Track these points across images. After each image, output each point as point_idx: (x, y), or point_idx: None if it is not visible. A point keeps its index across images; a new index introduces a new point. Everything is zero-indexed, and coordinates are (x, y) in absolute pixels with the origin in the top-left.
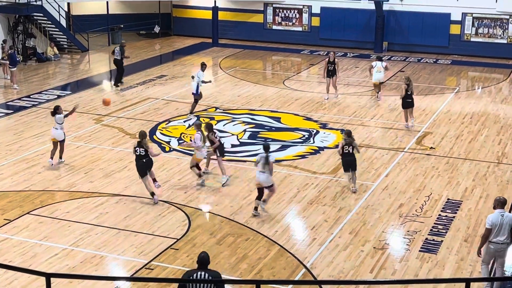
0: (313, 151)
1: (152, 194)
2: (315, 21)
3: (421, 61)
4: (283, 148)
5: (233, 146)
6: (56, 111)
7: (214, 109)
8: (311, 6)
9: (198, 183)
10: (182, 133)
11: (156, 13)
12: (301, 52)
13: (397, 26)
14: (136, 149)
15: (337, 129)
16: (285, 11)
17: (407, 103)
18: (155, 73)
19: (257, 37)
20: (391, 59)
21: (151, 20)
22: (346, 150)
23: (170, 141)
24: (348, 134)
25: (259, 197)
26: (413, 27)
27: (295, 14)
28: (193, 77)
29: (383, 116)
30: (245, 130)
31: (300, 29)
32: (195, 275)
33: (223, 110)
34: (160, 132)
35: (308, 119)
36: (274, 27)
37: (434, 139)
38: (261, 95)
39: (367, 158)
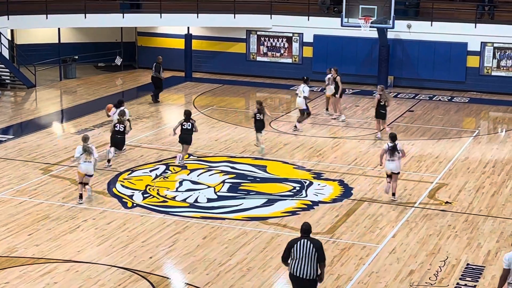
0: (305, 206)
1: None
2: (307, 52)
3: (433, 98)
4: (269, 202)
5: (209, 200)
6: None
7: (187, 156)
8: (302, 34)
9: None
10: (148, 185)
11: (117, 42)
12: (290, 87)
13: (404, 57)
14: (184, 123)
15: (334, 180)
16: (271, 40)
17: (380, 114)
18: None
19: (239, 70)
20: (398, 96)
21: (112, 50)
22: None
23: (133, 195)
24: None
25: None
26: (424, 59)
27: (284, 43)
28: (297, 94)
29: None
30: (223, 182)
31: (289, 60)
32: (299, 242)
33: (197, 157)
34: (121, 184)
35: (300, 168)
36: (259, 58)
37: (450, 192)
38: (243, 139)
39: (370, 214)
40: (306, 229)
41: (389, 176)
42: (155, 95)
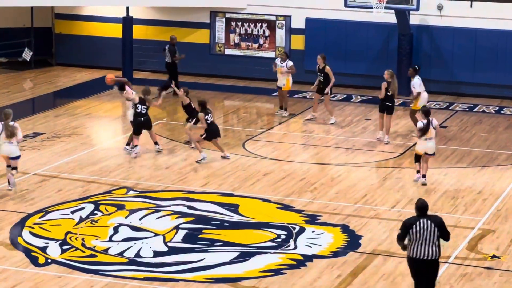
0: (294, 262)
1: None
2: (297, 42)
3: (475, 110)
4: (242, 257)
5: (156, 254)
6: None
7: (125, 190)
8: (290, 17)
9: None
10: (69, 232)
11: (26, 27)
12: (273, 93)
13: (433, 51)
14: (138, 106)
15: (335, 225)
16: (246, 25)
17: (386, 106)
18: (23, 130)
19: (199, 69)
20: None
21: (18, 39)
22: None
23: (47, 247)
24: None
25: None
26: (461, 54)
27: (263, 31)
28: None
29: (412, 201)
30: (177, 227)
31: (271, 55)
32: (418, 223)
33: (140, 192)
34: (30, 232)
35: (287, 207)
36: (228, 51)
37: (498, 242)
38: (205, 166)
39: (386, 274)
40: (423, 207)
41: (418, 159)
42: (166, 86)
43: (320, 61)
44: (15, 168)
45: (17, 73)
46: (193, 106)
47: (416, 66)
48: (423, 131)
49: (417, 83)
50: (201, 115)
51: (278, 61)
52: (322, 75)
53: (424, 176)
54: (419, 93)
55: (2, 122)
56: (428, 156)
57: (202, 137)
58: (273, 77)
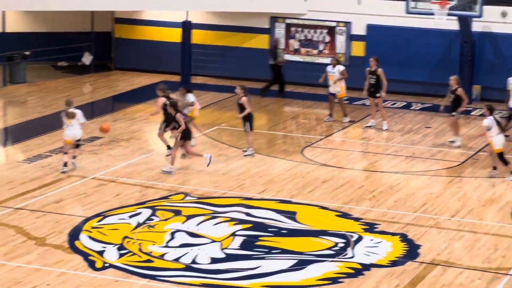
0: (352, 271)
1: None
2: (358, 49)
3: None
4: (300, 265)
5: (213, 261)
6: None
7: (182, 196)
8: (350, 23)
9: None
10: (126, 236)
11: (86, 31)
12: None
13: (497, 58)
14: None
15: (393, 234)
16: (306, 31)
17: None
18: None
19: (258, 74)
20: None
21: (78, 44)
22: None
23: (104, 251)
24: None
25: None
26: None
27: (324, 37)
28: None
29: (473, 211)
30: (234, 234)
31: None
32: None
33: (198, 198)
34: (87, 235)
35: (345, 215)
36: (288, 57)
37: None
38: (263, 173)
39: (446, 284)
40: None
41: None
42: (267, 85)
43: (373, 63)
44: (75, 157)
45: (76, 77)
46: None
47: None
48: (498, 126)
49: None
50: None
51: (329, 68)
52: (374, 77)
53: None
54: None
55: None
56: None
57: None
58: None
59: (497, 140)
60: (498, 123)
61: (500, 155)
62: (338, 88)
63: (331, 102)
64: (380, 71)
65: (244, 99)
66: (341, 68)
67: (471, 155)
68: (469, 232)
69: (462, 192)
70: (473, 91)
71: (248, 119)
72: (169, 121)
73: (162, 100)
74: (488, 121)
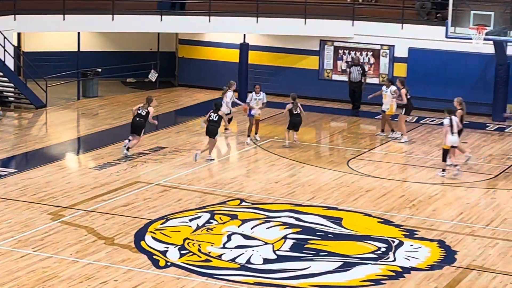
0: (393, 273)
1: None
2: (400, 70)
3: None
4: (345, 267)
5: (266, 261)
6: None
7: (238, 201)
8: (393, 46)
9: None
10: (187, 238)
11: (153, 51)
12: (376, 116)
13: None
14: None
15: (432, 240)
16: (352, 53)
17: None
18: (147, 144)
19: (309, 92)
20: None
21: (145, 62)
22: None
23: (167, 251)
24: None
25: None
26: None
27: (369, 58)
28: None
29: (506, 220)
30: (285, 237)
31: (376, 81)
32: None
33: (252, 204)
34: (152, 236)
35: (387, 222)
36: (336, 77)
37: None
38: (312, 182)
39: (482, 286)
40: None
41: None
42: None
43: (398, 84)
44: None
45: (143, 92)
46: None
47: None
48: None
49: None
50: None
51: (384, 88)
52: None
53: (456, 165)
54: None
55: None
56: (454, 149)
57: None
58: (377, 101)
59: (449, 139)
60: (453, 124)
61: (445, 152)
62: (388, 106)
63: (383, 119)
64: (404, 91)
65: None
66: (393, 88)
67: (505, 168)
68: (502, 240)
69: (496, 202)
70: (507, 110)
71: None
72: None
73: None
74: (446, 121)
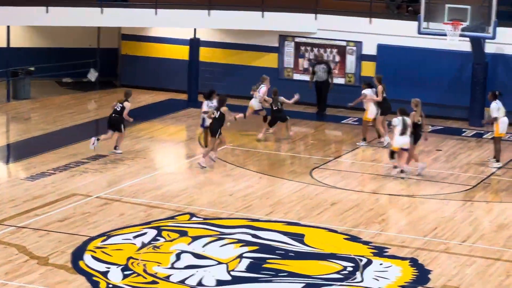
0: None
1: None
2: (368, 69)
3: None
4: None
5: (219, 283)
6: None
7: (188, 216)
8: (360, 43)
9: None
10: (131, 257)
11: (92, 48)
12: (342, 121)
13: (510, 81)
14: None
15: (403, 258)
16: (316, 50)
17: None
18: (85, 152)
19: (267, 93)
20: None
21: (83, 60)
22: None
23: (108, 272)
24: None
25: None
26: None
27: (334, 56)
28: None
29: (484, 236)
30: (241, 256)
31: (341, 81)
32: None
33: (204, 219)
34: (91, 256)
35: (354, 239)
36: (297, 76)
37: None
38: (270, 194)
39: None
40: None
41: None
42: (321, 105)
43: (375, 81)
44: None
45: (81, 93)
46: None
47: (497, 92)
48: (403, 128)
49: (494, 108)
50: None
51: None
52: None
53: (402, 171)
54: (495, 118)
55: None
56: (405, 152)
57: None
58: (340, 102)
59: (397, 139)
60: (405, 125)
61: (392, 152)
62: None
63: (364, 126)
64: (380, 88)
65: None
66: (374, 91)
67: (483, 178)
68: (480, 257)
69: (474, 216)
70: (485, 114)
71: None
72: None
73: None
74: (396, 120)
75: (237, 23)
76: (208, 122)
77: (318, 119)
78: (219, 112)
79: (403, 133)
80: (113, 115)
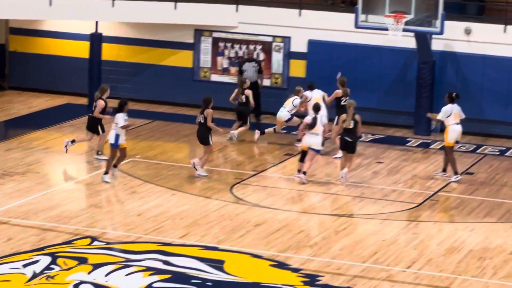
0: None
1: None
2: (297, 68)
3: (507, 154)
4: None
5: None
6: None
7: (89, 240)
8: (289, 38)
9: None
10: None
11: None
12: (266, 128)
13: (459, 82)
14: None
15: None
16: (237, 47)
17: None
18: None
19: (180, 96)
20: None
21: None
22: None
23: None
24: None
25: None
26: (492, 86)
27: (257, 54)
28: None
29: (432, 261)
30: (150, 286)
31: (266, 83)
32: None
33: (107, 243)
34: None
35: (281, 265)
36: (215, 77)
37: None
38: (185, 214)
39: None
40: None
41: (304, 157)
42: (257, 111)
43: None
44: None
45: None
46: None
47: (454, 94)
48: (310, 126)
49: (444, 111)
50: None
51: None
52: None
53: (304, 173)
54: (438, 120)
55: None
56: (313, 152)
57: None
58: (268, 108)
59: (306, 139)
60: (314, 123)
61: (304, 153)
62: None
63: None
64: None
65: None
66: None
67: (430, 195)
68: (427, 286)
69: (419, 239)
70: (433, 121)
71: None
72: None
73: None
74: (308, 118)
75: (145, 15)
76: (122, 140)
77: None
78: (202, 116)
79: (311, 131)
80: (90, 114)
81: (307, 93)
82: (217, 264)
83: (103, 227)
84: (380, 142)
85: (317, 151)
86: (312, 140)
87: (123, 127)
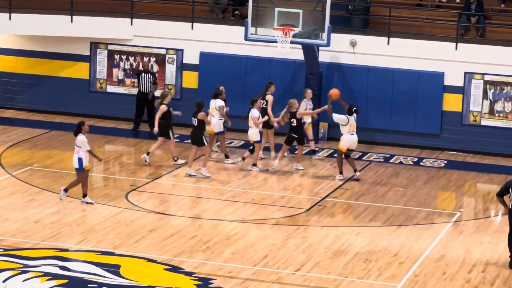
0: None
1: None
2: (190, 80)
3: (391, 161)
4: None
5: None
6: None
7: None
8: (181, 50)
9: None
10: None
11: None
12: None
13: (345, 92)
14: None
15: None
16: (132, 59)
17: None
18: None
19: (76, 107)
20: (335, 156)
21: None
22: None
23: None
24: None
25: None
26: (376, 97)
27: (151, 66)
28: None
29: (320, 264)
30: None
31: (159, 94)
32: None
33: (4, 249)
34: None
35: (175, 269)
36: (111, 88)
37: None
38: (81, 220)
39: None
40: None
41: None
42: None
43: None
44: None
45: None
46: None
47: (354, 108)
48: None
49: (338, 117)
50: None
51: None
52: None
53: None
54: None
55: None
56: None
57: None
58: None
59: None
60: (247, 115)
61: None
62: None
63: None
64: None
65: None
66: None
67: (318, 201)
68: (315, 287)
69: (307, 243)
70: (320, 129)
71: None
72: None
73: None
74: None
75: (42, 28)
76: (86, 162)
77: (135, 135)
78: (196, 119)
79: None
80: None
81: (211, 102)
82: (113, 269)
83: (0, 234)
84: (267, 150)
85: (258, 142)
86: (249, 132)
87: (89, 151)
